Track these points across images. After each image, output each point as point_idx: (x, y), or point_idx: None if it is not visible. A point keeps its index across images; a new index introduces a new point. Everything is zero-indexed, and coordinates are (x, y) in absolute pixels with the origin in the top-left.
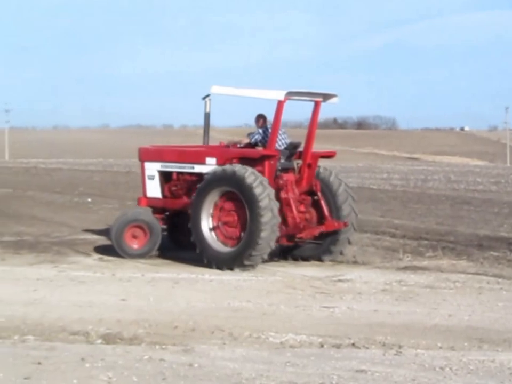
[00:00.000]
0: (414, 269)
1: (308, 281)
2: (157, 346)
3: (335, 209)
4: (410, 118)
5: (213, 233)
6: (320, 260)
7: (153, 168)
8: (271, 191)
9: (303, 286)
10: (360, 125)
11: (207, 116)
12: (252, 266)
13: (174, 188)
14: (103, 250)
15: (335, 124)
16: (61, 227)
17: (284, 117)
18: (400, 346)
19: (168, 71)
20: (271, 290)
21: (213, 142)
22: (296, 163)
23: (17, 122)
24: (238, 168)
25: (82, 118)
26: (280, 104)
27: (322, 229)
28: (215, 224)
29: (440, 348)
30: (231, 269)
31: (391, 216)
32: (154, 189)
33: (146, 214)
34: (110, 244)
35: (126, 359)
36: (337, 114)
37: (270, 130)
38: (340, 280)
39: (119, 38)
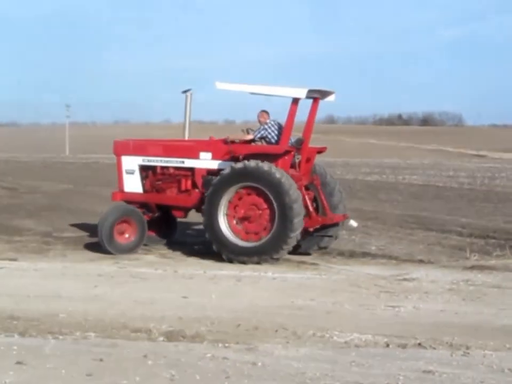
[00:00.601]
0: (481, 268)
1: (373, 280)
2: (220, 344)
3: (330, 203)
4: (477, 114)
5: (231, 229)
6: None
7: (132, 162)
8: (296, 185)
9: (367, 285)
10: (426, 121)
11: (187, 110)
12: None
13: (158, 182)
14: (165, 246)
15: (400, 119)
16: None
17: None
18: (467, 347)
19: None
20: (335, 289)
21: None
22: (296, 158)
23: (78, 117)
24: (261, 164)
25: (143, 113)
26: (296, 101)
27: (327, 221)
28: (233, 219)
29: (509, 349)
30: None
31: (458, 214)
32: (133, 184)
33: (134, 209)
34: (172, 241)
35: (188, 357)
36: (402, 110)
37: (274, 126)
38: (405, 279)
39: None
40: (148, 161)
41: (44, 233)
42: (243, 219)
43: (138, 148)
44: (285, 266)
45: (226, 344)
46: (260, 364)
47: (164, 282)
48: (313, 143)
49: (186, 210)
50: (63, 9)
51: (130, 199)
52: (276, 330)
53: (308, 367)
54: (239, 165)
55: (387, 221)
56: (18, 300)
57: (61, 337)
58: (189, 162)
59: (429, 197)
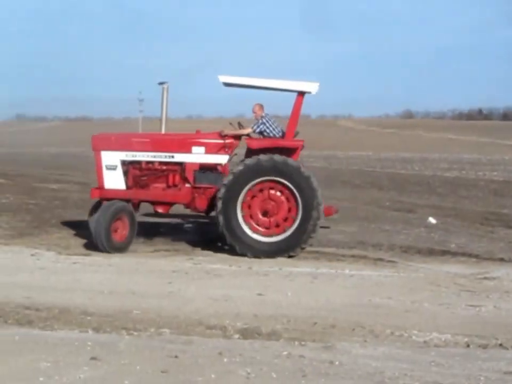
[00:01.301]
0: None
1: (452, 278)
2: (296, 343)
3: None
4: None
5: (246, 223)
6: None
7: (114, 158)
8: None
9: (447, 283)
10: (507, 116)
11: (164, 104)
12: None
13: (143, 178)
14: None
15: (480, 114)
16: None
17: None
18: None
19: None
20: (414, 287)
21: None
22: None
23: (150, 112)
24: (282, 158)
25: (216, 108)
26: (303, 95)
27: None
28: (249, 214)
29: None
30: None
31: None
32: (115, 180)
33: (127, 206)
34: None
35: (264, 355)
36: (483, 105)
37: (271, 119)
38: (485, 278)
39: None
40: (132, 156)
41: None
42: (262, 213)
43: (121, 143)
44: (362, 264)
45: (303, 342)
46: (337, 362)
47: (238, 279)
48: (386, 137)
49: (171, 206)
50: None
51: (111, 196)
52: (353, 329)
53: (386, 366)
54: (260, 160)
55: (467, 218)
56: (92, 296)
57: (135, 333)
58: (179, 157)
59: (510, 194)
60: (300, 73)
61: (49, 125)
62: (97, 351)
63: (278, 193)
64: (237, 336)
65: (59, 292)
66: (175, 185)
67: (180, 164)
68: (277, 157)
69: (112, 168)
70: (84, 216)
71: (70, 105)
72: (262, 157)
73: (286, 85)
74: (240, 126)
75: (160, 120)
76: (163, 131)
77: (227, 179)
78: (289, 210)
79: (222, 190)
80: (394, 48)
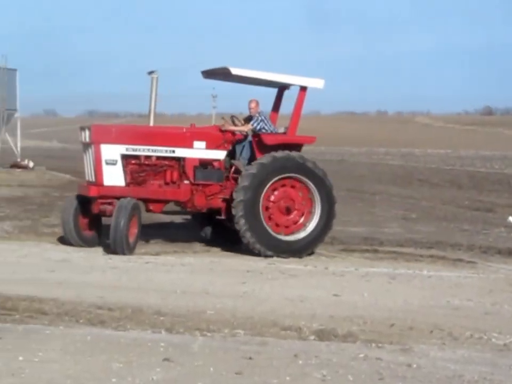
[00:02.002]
0: None
1: None
2: (373, 345)
3: None
4: None
5: (268, 222)
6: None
7: (114, 152)
8: None
9: None
10: None
11: (153, 94)
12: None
13: (141, 174)
14: None
15: None
16: None
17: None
18: None
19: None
20: (494, 289)
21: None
22: None
23: (224, 107)
24: (299, 155)
25: (291, 105)
26: (305, 90)
27: None
28: (269, 213)
29: None
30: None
31: None
32: (115, 176)
33: (137, 203)
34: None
35: (340, 357)
36: None
37: (267, 116)
38: None
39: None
40: (133, 150)
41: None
42: (282, 211)
43: (121, 135)
44: (440, 264)
45: (380, 345)
46: (414, 365)
47: (313, 279)
48: (465, 135)
49: (165, 204)
50: None
51: (109, 194)
52: (431, 331)
53: (466, 369)
54: (283, 157)
55: None
56: (165, 296)
57: (209, 334)
58: (180, 152)
59: None
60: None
61: (121, 122)
62: (170, 352)
63: (296, 191)
64: (312, 337)
65: (132, 292)
66: (173, 182)
67: (179, 159)
68: (295, 154)
69: (112, 163)
70: (155, 216)
71: (139, 101)
72: (279, 154)
73: (290, 79)
74: (235, 120)
75: (149, 112)
76: (151, 123)
77: (247, 179)
78: (306, 207)
79: (243, 191)
80: (473, 44)
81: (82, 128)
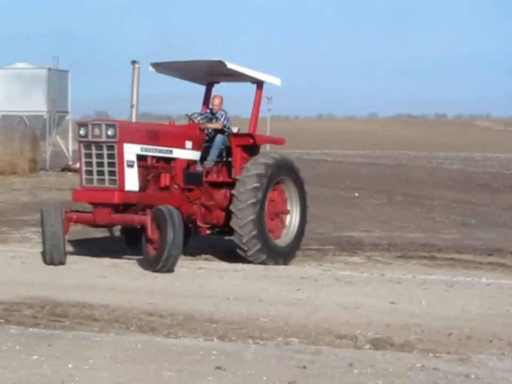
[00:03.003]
0: None
1: None
2: (430, 354)
3: None
4: None
5: (270, 230)
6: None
7: (133, 152)
8: None
9: None
10: None
11: (135, 86)
12: None
13: (148, 178)
14: (371, 248)
15: None
16: (326, 223)
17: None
18: None
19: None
20: None
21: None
22: None
23: (280, 110)
24: (286, 156)
25: (347, 107)
26: (261, 88)
27: None
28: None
29: None
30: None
31: None
32: (133, 181)
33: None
34: (378, 243)
35: (396, 367)
36: None
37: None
38: None
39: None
40: (146, 150)
41: None
42: (278, 216)
43: (139, 134)
44: (500, 272)
45: (437, 354)
46: (473, 376)
47: (369, 286)
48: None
49: None
50: None
51: (127, 201)
52: (490, 340)
53: None
54: (282, 159)
55: None
56: (217, 302)
57: (262, 342)
58: (176, 153)
59: None
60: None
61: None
62: (223, 360)
63: (278, 193)
64: (368, 346)
65: (183, 298)
66: (167, 187)
67: (173, 161)
68: (283, 155)
69: (131, 165)
70: None
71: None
72: (276, 155)
73: (252, 74)
74: (193, 118)
75: (131, 104)
76: (134, 118)
77: (252, 184)
78: (287, 210)
79: (254, 192)
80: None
81: (93, 124)
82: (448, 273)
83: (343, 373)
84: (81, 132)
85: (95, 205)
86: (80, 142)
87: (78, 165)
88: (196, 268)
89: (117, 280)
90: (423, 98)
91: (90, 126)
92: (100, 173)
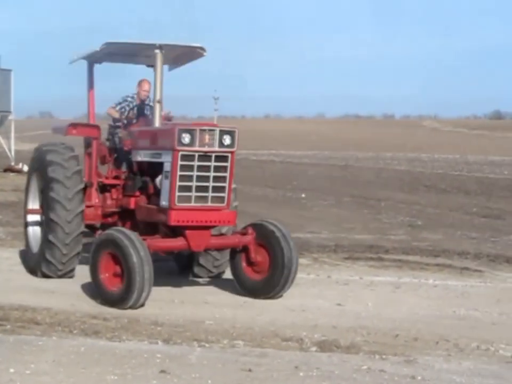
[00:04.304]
0: None
1: None
2: (377, 356)
3: None
4: None
5: None
6: None
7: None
8: None
9: None
10: None
11: (158, 77)
12: None
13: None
14: (318, 250)
15: None
16: None
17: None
18: None
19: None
20: (501, 298)
21: None
22: None
23: (226, 110)
24: None
25: (295, 107)
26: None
27: None
28: None
29: None
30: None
31: None
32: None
33: None
34: (325, 244)
35: (342, 369)
36: None
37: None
38: None
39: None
40: (143, 156)
41: None
42: None
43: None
44: (447, 273)
45: (384, 356)
46: (419, 377)
47: (316, 288)
48: (473, 139)
49: None
50: None
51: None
52: (437, 342)
53: (472, 382)
54: None
55: None
56: (162, 305)
57: (207, 345)
58: (164, 157)
59: None
60: (383, 71)
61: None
62: (167, 363)
63: None
64: (314, 348)
65: None
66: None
67: (162, 166)
68: None
69: (167, 176)
70: None
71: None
72: None
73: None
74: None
75: (156, 101)
76: (157, 118)
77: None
78: None
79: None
80: (482, 47)
81: (203, 130)
82: (395, 274)
83: (288, 376)
84: (186, 140)
85: (193, 228)
86: (179, 151)
87: (20, 166)
88: None
89: (60, 284)
90: (370, 99)
91: (198, 132)
92: (202, 189)
